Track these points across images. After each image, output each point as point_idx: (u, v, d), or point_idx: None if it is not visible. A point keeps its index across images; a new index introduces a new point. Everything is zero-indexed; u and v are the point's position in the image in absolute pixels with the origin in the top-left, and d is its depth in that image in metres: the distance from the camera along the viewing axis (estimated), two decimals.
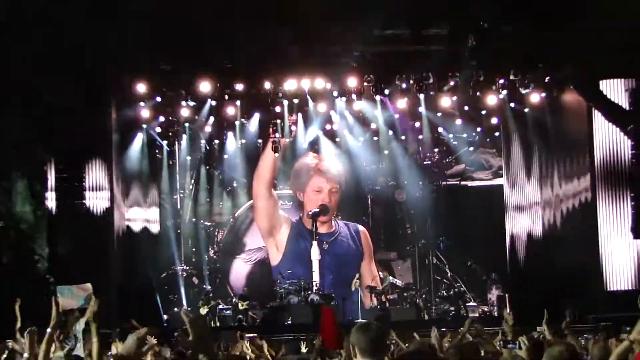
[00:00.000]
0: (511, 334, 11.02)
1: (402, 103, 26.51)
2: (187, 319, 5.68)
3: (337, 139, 28.01)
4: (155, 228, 28.30)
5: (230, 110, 26.56)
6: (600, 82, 24.50)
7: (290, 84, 25.27)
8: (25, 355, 8.27)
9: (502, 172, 29.03)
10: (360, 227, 27.89)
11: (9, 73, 22.90)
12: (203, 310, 25.23)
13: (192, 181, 28.88)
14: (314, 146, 27.97)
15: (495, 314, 24.63)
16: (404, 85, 25.56)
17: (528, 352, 8.89)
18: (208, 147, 28.42)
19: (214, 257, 28.41)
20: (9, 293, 21.28)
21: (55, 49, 22.82)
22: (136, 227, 27.56)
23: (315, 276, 25.46)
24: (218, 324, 24.70)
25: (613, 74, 24.29)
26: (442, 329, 15.69)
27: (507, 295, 24.67)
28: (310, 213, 26.30)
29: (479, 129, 28.08)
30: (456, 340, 12.16)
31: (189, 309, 25.60)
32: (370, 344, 6.52)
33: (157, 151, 28.18)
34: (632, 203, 24.39)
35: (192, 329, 5.58)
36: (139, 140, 26.90)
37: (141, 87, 24.91)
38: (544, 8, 22.46)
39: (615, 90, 24.72)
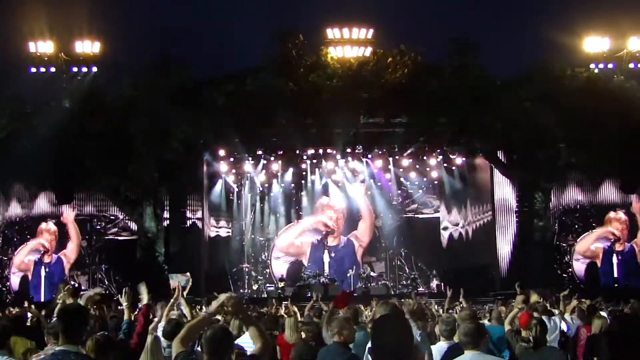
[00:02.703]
0: (448, 303, 11.11)
1: (379, 163, 26.53)
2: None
3: (339, 185, 27.87)
4: (229, 239, 27.96)
5: (275, 167, 26.61)
6: (498, 151, 24.62)
7: (311, 151, 25.53)
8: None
9: (439, 209, 28.71)
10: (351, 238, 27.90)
11: (142, 143, 22.99)
12: (255, 286, 25.30)
13: (252, 213, 28.57)
14: (326, 189, 27.78)
15: (435, 291, 24.52)
16: (380, 152, 25.78)
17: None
18: (261, 189, 28.10)
19: (265, 258, 28.10)
20: (140, 276, 21.48)
21: (170, 127, 22.74)
22: (217, 237, 27.54)
23: (326, 269, 25.62)
24: (265, 295, 24.46)
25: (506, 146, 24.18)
26: (402, 300, 15.73)
27: (442, 283, 24.17)
28: (323, 234, 26.68)
29: (424, 179, 27.82)
30: (410, 307, 11.96)
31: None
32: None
33: (231, 194, 27.83)
34: (517, 221, 24.42)
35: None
36: (219, 184, 27.04)
37: (221, 152, 25.19)
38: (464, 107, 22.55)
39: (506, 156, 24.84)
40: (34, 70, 24.03)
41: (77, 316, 4.88)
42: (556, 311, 10.37)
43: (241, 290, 26.05)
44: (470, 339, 5.43)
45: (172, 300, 8.86)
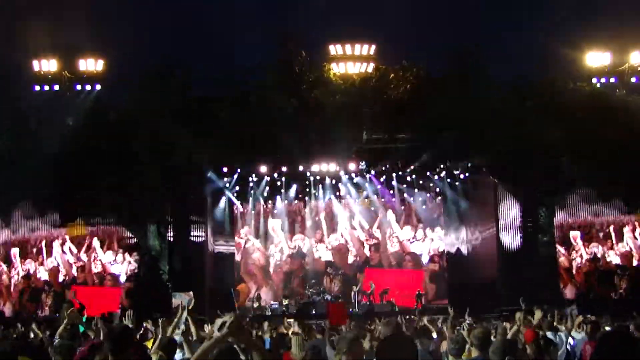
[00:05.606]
0: (451, 321, 10.97)
1: (382, 178, 26.41)
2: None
3: (343, 201, 27.80)
4: (233, 256, 27.77)
5: (278, 183, 26.51)
6: (502, 167, 24.41)
7: (314, 167, 25.40)
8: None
9: (444, 228, 28.44)
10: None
11: (144, 161, 22.98)
12: (256, 304, 25.22)
13: (256, 229, 28.33)
14: (330, 205, 27.76)
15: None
16: (383, 168, 25.69)
17: (467, 332, 8.69)
18: (265, 205, 28.05)
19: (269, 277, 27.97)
20: (144, 294, 21.41)
21: (172, 144, 22.68)
22: (221, 254, 27.32)
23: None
24: (269, 313, 24.33)
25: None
26: (406, 316, 15.59)
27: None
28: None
29: (428, 195, 27.76)
30: (414, 324, 11.85)
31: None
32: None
33: (234, 208, 27.78)
34: (521, 236, 24.26)
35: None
36: (222, 201, 26.91)
37: (224, 169, 24.98)
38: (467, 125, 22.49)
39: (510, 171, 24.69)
40: (37, 88, 24.14)
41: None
42: (563, 327, 10.34)
43: (247, 303, 25.98)
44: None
45: (175, 319, 8.84)
